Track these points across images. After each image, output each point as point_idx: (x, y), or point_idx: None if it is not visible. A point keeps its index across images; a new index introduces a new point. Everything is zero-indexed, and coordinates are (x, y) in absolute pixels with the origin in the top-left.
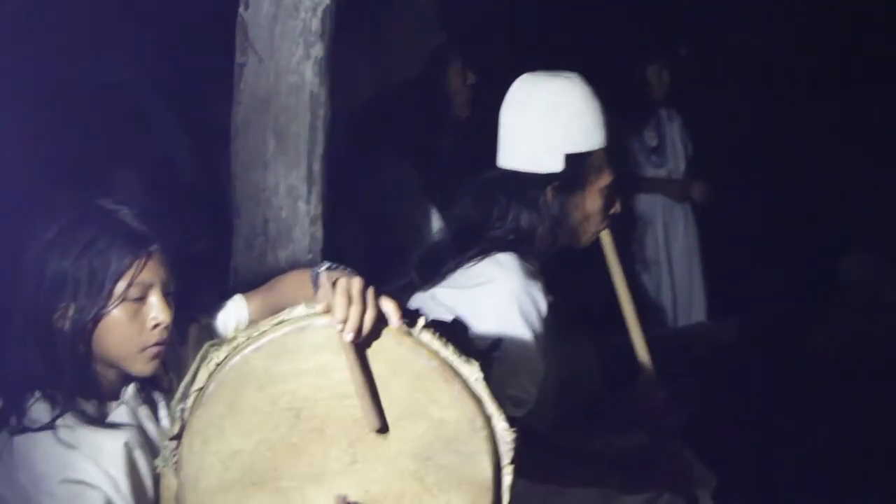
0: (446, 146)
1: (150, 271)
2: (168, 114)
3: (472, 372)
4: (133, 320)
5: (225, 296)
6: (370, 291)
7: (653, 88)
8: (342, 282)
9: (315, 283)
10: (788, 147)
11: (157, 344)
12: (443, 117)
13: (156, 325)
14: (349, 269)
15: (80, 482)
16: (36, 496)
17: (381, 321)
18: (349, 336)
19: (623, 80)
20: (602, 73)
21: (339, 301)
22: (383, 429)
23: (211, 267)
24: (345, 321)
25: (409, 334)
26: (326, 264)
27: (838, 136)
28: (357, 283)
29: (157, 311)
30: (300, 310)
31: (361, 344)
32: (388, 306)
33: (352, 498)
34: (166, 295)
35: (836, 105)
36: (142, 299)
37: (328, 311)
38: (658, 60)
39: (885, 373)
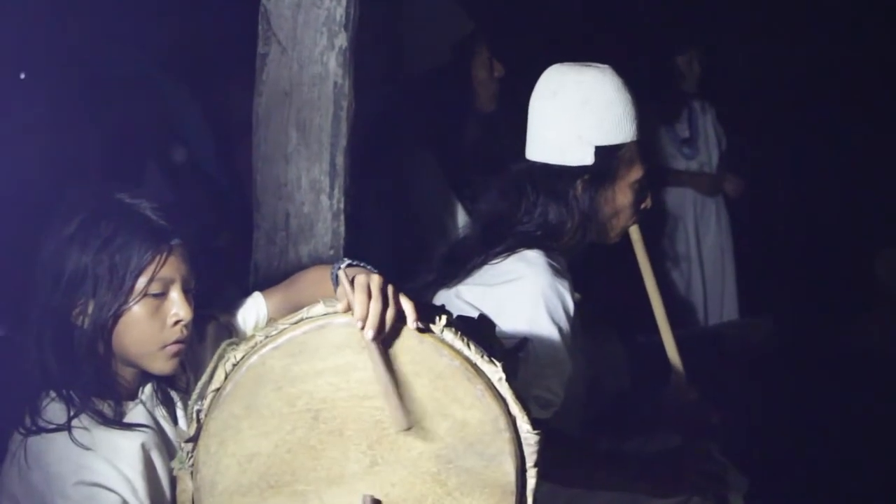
0: (471, 140)
1: (171, 266)
2: (191, 106)
3: (496, 372)
4: (154, 317)
5: (245, 292)
6: (390, 288)
7: (683, 79)
8: (361, 279)
9: (335, 280)
10: (822, 141)
11: (177, 342)
12: (467, 111)
13: (177, 322)
14: (369, 267)
15: (95, 484)
16: (50, 498)
17: (401, 319)
18: (370, 333)
19: (652, 70)
20: (631, 62)
21: (359, 298)
22: (410, 429)
23: (231, 263)
24: (365, 318)
25: (430, 333)
26: (347, 261)
27: (873, 129)
28: (377, 279)
29: (178, 307)
30: (319, 308)
31: (385, 342)
32: (407, 305)
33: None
34: (186, 291)
35: (871, 98)
36: (162, 296)
37: (348, 309)
38: (688, 50)
39: None
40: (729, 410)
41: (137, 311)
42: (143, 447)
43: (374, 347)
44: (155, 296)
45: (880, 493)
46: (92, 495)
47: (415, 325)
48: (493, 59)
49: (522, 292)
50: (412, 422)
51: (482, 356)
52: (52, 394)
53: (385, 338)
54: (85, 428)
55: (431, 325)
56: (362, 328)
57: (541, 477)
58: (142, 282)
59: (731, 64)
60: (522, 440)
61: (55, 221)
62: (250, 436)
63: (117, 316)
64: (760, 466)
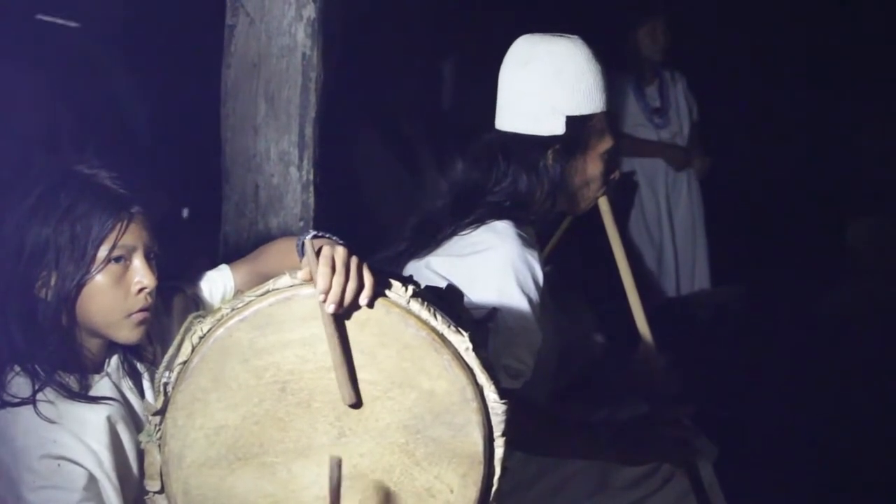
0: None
1: (132, 234)
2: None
3: (463, 342)
4: (117, 285)
5: (215, 264)
6: (354, 261)
7: (646, 50)
8: (326, 251)
9: (300, 251)
10: (796, 109)
11: (142, 309)
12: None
13: (140, 290)
14: (335, 238)
15: (61, 457)
16: (16, 471)
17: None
18: (331, 308)
19: (613, 42)
20: (592, 35)
21: (322, 271)
22: (357, 405)
23: (201, 235)
24: (327, 292)
25: (396, 303)
26: (313, 233)
27: (847, 95)
28: (341, 252)
29: (141, 274)
30: (285, 279)
31: (342, 315)
32: (367, 280)
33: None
34: (149, 259)
35: (843, 65)
36: (125, 263)
37: (310, 279)
38: (649, 21)
39: (894, 339)
40: (699, 378)
41: (100, 279)
42: (109, 420)
43: (329, 321)
44: (118, 264)
45: (853, 459)
46: (58, 468)
47: (365, 303)
48: None
49: (492, 263)
50: (359, 399)
51: (449, 326)
52: (17, 368)
53: (347, 310)
54: (50, 401)
55: (398, 296)
56: (324, 301)
57: (510, 446)
58: (103, 250)
59: (699, 31)
60: (490, 410)
61: (15, 196)
62: (218, 408)
63: (80, 286)
64: (730, 434)
